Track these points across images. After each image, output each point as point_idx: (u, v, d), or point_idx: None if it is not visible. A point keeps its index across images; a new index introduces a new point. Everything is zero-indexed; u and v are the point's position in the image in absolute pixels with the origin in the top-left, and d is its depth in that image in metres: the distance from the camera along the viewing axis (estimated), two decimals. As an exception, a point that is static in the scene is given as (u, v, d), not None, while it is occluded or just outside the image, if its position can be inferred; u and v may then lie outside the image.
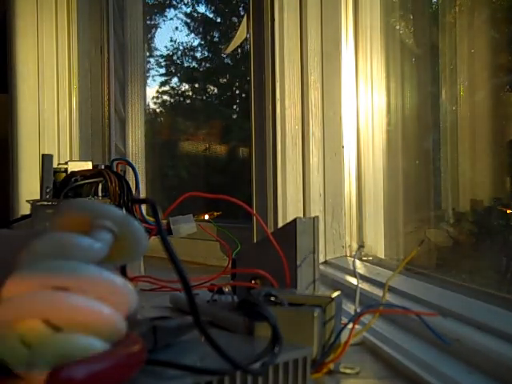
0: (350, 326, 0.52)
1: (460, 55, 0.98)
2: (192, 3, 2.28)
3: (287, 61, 1.05)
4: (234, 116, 2.21)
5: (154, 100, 2.22)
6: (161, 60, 2.26)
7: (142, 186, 1.75)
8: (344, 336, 0.52)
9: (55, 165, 0.96)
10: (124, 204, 0.88)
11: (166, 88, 2.24)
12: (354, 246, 1.05)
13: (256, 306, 0.48)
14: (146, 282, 0.91)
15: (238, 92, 2.18)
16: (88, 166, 0.96)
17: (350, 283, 0.82)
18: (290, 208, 1.04)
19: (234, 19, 2.15)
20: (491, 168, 0.95)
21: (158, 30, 2.33)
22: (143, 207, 0.92)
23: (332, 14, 1.04)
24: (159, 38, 2.33)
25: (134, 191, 0.90)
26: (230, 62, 2.17)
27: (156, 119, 2.31)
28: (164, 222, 0.92)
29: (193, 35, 2.30)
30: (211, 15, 2.30)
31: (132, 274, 0.94)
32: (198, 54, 2.27)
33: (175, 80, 2.29)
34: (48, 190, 0.92)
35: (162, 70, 2.27)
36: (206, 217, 1.02)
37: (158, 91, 2.22)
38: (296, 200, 1.05)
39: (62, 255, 0.37)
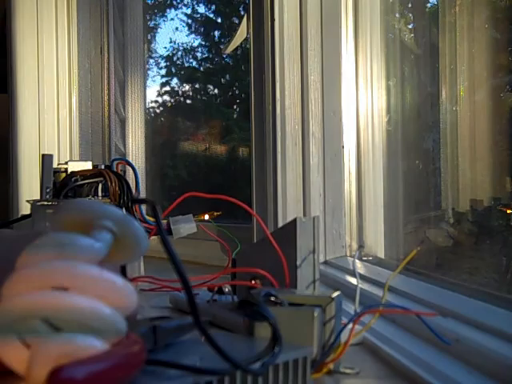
0: (350, 326, 0.52)
1: (460, 55, 0.98)
2: (192, 3, 2.28)
3: (287, 61, 1.05)
4: (234, 116, 2.21)
5: (155, 100, 2.22)
6: (161, 60, 2.26)
7: (142, 186, 1.75)
8: (344, 336, 0.52)
9: (55, 165, 0.96)
10: (124, 204, 0.88)
11: (167, 88, 2.24)
12: (354, 245, 1.05)
13: (256, 306, 0.48)
14: (146, 282, 0.91)
15: (237, 92, 2.18)
16: (88, 166, 0.96)
17: (350, 283, 0.82)
18: (289, 208, 1.04)
19: (234, 19, 2.15)
20: (491, 168, 0.95)
21: (159, 30, 2.33)
22: (143, 207, 0.92)
23: (332, 14, 1.04)
24: (160, 38, 2.33)
25: (134, 191, 0.90)
26: (230, 62, 2.17)
27: (156, 119, 2.31)
28: (164, 222, 0.92)
29: (193, 35, 2.30)
30: (211, 15, 2.30)
31: (132, 275, 0.94)
32: (199, 55, 2.27)
33: (175, 80, 2.29)
34: (48, 190, 0.92)
35: (163, 71, 2.27)
36: (206, 217, 1.02)
37: (158, 91, 2.22)
38: (296, 200, 1.05)
39: (62, 255, 0.37)
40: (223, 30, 2.23)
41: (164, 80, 2.25)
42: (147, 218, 0.91)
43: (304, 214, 1.03)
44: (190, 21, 2.24)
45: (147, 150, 1.85)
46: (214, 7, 2.25)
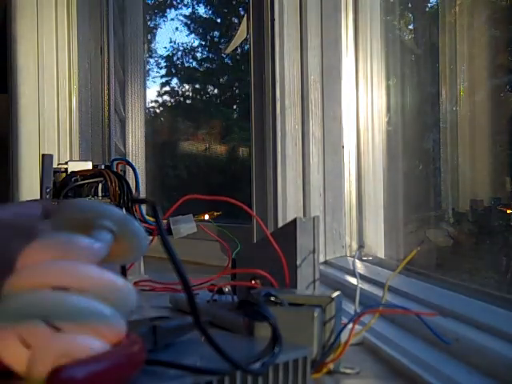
0: (350, 326, 0.52)
1: (460, 55, 0.98)
2: (192, 4, 2.28)
3: (287, 61, 1.05)
4: (234, 116, 2.21)
5: (155, 100, 2.22)
6: (161, 60, 2.26)
7: (142, 186, 1.75)
8: (344, 336, 0.52)
9: (55, 165, 0.96)
10: (124, 204, 0.88)
11: (167, 88, 2.24)
12: (354, 246, 1.05)
13: (256, 306, 0.48)
14: (147, 285, 0.92)
15: (237, 92, 2.18)
16: (88, 165, 0.96)
17: (350, 283, 0.82)
18: (289, 208, 1.04)
19: (234, 19, 2.15)
20: (491, 168, 0.95)
21: (159, 30, 2.34)
22: (143, 207, 0.92)
23: (332, 14, 1.04)
24: (160, 38, 2.33)
25: (133, 191, 0.90)
26: (229, 62, 2.17)
27: (156, 119, 2.31)
28: (164, 222, 0.92)
29: (193, 36, 2.30)
30: (211, 15, 2.30)
31: (132, 275, 0.94)
32: (198, 55, 2.27)
33: (175, 80, 2.29)
34: (48, 190, 0.92)
35: (163, 71, 2.27)
36: (206, 217, 1.02)
37: (158, 91, 2.22)
38: (296, 200, 1.05)
39: (62, 255, 0.37)
40: (223, 30, 2.23)
41: (164, 80, 2.26)
42: (147, 218, 0.91)
43: (304, 214, 1.03)
44: (189, 21, 2.24)
45: (147, 150, 1.85)
46: (213, 7, 2.25)
